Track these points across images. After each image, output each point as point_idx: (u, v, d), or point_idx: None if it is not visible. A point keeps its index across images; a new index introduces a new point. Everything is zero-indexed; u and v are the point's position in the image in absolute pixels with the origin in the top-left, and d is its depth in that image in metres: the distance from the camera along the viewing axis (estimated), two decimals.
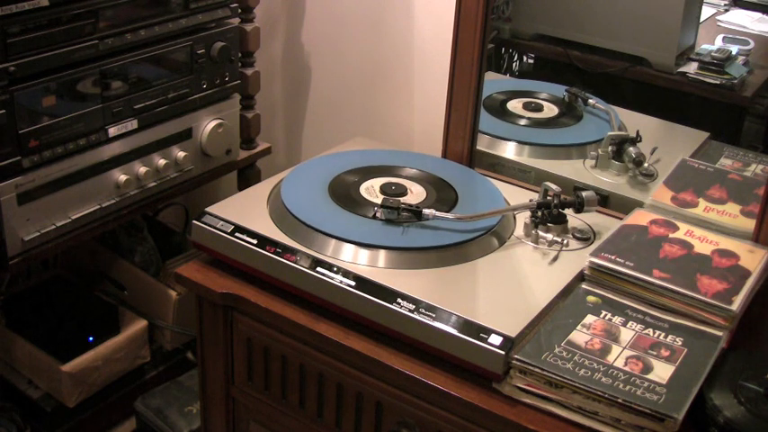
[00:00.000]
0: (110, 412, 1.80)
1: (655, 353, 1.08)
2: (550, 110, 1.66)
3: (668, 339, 1.11)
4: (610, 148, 1.50)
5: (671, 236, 1.27)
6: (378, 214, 1.29)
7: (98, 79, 1.46)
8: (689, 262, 1.21)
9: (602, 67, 1.62)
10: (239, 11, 1.69)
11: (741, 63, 1.51)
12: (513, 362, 1.06)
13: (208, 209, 1.32)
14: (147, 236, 1.90)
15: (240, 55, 1.74)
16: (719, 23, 1.58)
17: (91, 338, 1.70)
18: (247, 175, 1.85)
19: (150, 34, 1.52)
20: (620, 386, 1.02)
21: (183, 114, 1.63)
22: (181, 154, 1.64)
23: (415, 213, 1.27)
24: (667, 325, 1.14)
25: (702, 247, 1.25)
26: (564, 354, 1.07)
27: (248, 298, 1.25)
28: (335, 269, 1.19)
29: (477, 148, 1.55)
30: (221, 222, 1.29)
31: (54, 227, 1.46)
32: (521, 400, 1.06)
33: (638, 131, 1.50)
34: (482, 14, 1.44)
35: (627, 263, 1.20)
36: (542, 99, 1.68)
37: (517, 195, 1.42)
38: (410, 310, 1.12)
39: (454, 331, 1.09)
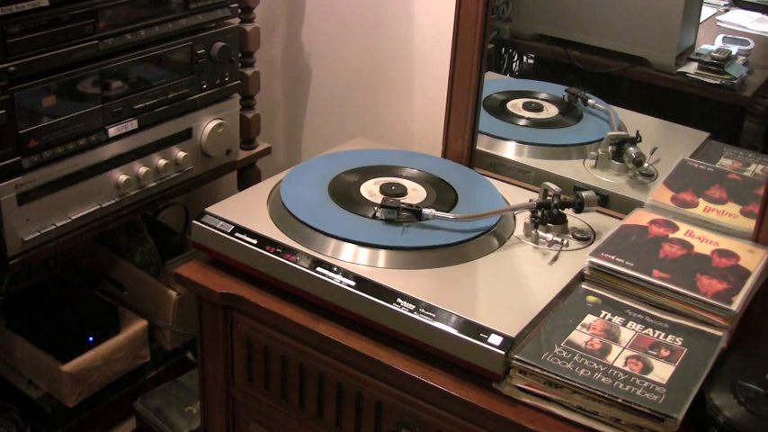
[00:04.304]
0: (110, 412, 1.80)
1: (655, 353, 1.08)
2: (550, 110, 1.65)
3: (668, 339, 1.11)
4: (610, 148, 1.50)
5: (671, 236, 1.27)
6: (378, 214, 1.29)
7: (98, 79, 1.46)
8: (689, 262, 1.21)
9: (602, 67, 1.62)
10: (239, 11, 1.69)
11: (741, 63, 1.51)
12: (513, 362, 1.06)
13: (208, 209, 1.32)
14: (147, 236, 1.90)
15: (240, 55, 1.74)
16: (719, 23, 1.58)
17: (91, 338, 1.70)
18: (247, 175, 1.85)
19: (150, 34, 1.52)
20: (620, 386, 1.02)
21: (183, 114, 1.63)
22: (181, 154, 1.64)
23: (415, 213, 1.27)
24: (667, 325, 1.14)
25: (702, 247, 1.25)
26: (564, 354, 1.07)
27: (248, 298, 1.25)
28: (335, 269, 1.19)
29: (477, 148, 1.55)
30: (221, 222, 1.29)
31: (54, 227, 1.46)
32: (521, 400, 1.06)
33: (638, 131, 1.50)
34: (482, 15, 1.44)
35: (627, 263, 1.20)
36: (542, 99, 1.68)
37: (517, 195, 1.42)
38: (410, 310, 1.12)
39: (454, 331, 1.09)
